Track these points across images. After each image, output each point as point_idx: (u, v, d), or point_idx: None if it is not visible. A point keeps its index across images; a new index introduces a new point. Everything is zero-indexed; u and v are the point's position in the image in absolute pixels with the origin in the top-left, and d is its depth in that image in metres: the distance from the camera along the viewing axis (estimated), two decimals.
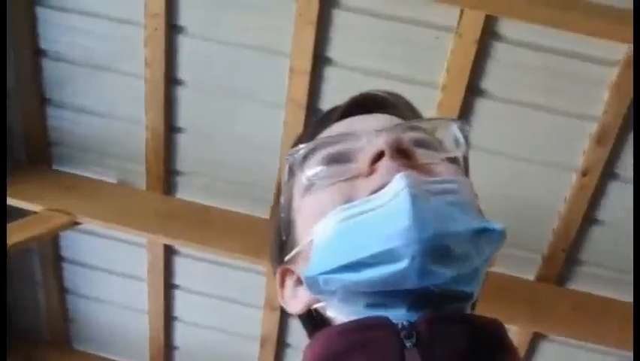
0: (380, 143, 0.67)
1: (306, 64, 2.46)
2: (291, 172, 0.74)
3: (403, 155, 0.67)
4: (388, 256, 0.61)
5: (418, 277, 0.61)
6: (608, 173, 2.52)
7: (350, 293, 0.65)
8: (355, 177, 0.68)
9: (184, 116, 2.74)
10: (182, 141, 2.80)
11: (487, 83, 2.43)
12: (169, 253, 3.06)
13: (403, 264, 0.60)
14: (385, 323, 0.62)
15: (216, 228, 2.77)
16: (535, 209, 2.62)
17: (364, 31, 2.40)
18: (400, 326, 0.61)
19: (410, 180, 0.62)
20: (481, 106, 2.46)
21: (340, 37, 2.43)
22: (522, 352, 2.79)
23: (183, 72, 2.64)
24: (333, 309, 0.69)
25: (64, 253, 3.26)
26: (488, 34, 2.33)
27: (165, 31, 2.52)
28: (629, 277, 2.66)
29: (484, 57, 2.38)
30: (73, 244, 3.20)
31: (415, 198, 0.61)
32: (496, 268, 2.68)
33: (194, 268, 3.09)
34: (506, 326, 0.66)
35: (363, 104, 0.80)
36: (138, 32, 2.56)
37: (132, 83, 2.68)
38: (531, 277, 2.76)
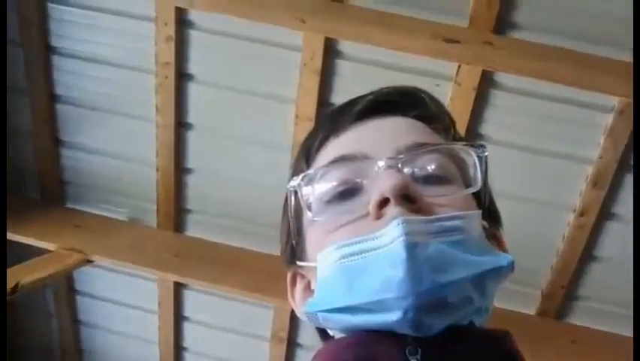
0: (385, 187, 0.64)
1: (311, 110, 2.55)
2: (297, 201, 0.73)
3: (409, 200, 0.64)
4: (382, 306, 0.60)
5: (411, 329, 0.60)
6: (605, 213, 2.59)
7: (349, 331, 0.65)
8: (364, 216, 0.66)
9: (193, 158, 2.84)
10: (192, 181, 2.89)
11: (486, 128, 2.51)
12: (179, 286, 3.15)
13: (395, 316, 0.60)
14: (391, 339, 0.61)
15: (226, 264, 2.85)
16: (535, 247, 2.69)
17: (367, 79, 2.48)
18: (405, 341, 0.60)
19: (407, 227, 0.60)
20: None
21: (343, 86, 2.52)
22: None
23: (193, 117, 2.74)
24: (337, 334, 0.70)
25: (78, 286, 3.36)
26: (486, 82, 2.42)
27: (175, 78, 2.62)
28: (626, 312, 2.74)
29: (482, 104, 2.46)
30: (86, 277, 3.29)
31: (411, 248, 0.59)
32: (498, 303, 2.75)
33: (204, 301, 3.18)
34: None
35: (379, 107, 0.76)
36: (149, 79, 2.66)
37: (143, 127, 2.78)
38: (531, 311, 2.83)
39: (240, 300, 3.04)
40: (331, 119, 0.79)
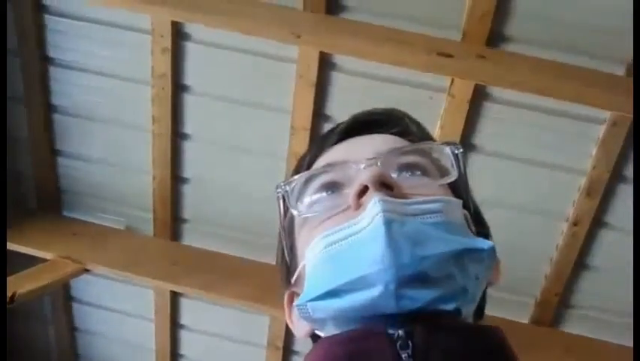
0: (364, 177, 0.67)
1: (306, 121, 2.57)
2: (285, 204, 0.76)
3: (386, 187, 0.67)
4: (364, 283, 0.62)
5: (394, 302, 0.61)
6: (598, 222, 2.62)
7: (339, 320, 0.66)
8: (345, 210, 0.69)
9: (189, 168, 2.86)
10: (188, 190, 2.91)
11: (480, 139, 2.53)
12: (175, 294, 3.17)
13: (377, 290, 0.61)
14: (382, 334, 0.62)
15: (221, 273, 2.87)
16: (528, 256, 2.71)
17: (361, 91, 2.50)
18: (396, 336, 0.61)
19: (385, 205, 0.63)
20: (474, 160, 2.56)
21: (338, 97, 2.54)
22: None
23: (189, 127, 2.76)
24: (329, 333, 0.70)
25: (75, 293, 3.38)
26: (479, 94, 2.44)
27: (171, 89, 2.64)
28: (620, 320, 2.76)
29: (476, 115, 2.48)
30: (83, 284, 3.31)
31: (390, 223, 0.62)
32: (491, 312, 2.77)
33: (200, 308, 3.20)
34: None
35: (362, 126, 0.81)
36: (146, 90, 2.68)
37: (140, 137, 2.80)
38: (525, 320, 2.85)
39: (236, 307, 3.06)
40: (318, 142, 0.84)
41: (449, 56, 2.24)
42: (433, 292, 0.61)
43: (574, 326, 2.86)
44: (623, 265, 2.63)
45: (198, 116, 2.73)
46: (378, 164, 0.70)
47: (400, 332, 0.61)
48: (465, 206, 0.73)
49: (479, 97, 2.45)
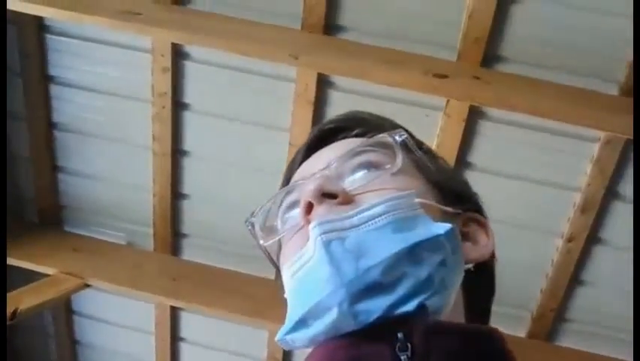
0: (305, 192, 0.69)
1: (305, 138, 2.58)
2: (253, 229, 0.78)
3: (330, 197, 0.68)
4: (322, 308, 0.62)
5: (352, 319, 0.62)
6: (592, 238, 2.65)
7: (319, 343, 0.66)
8: (300, 228, 0.70)
9: (189, 184, 2.89)
10: (188, 206, 2.95)
11: (476, 157, 2.57)
12: (175, 308, 3.19)
13: (334, 313, 0.62)
14: (380, 337, 0.62)
15: (221, 288, 2.90)
16: (524, 271, 2.74)
17: (359, 109, 2.52)
18: (394, 339, 0.61)
19: (322, 227, 0.64)
20: (471, 178, 2.57)
21: (336, 114, 2.56)
22: None
23: (188, 144, 2.80)
24: None
25: (76, 306, 3.40)
26: (475, 113, 2.47)
27: (172, 108, 2.67)
28: (614, 334, 2.80)
29: (471, 133, 2.52)
30: (84, 298, 3.33)
31: (329, 244, 0.63)
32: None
33: (200, 322, 3.22)
34: None
35: (324, 135, 0.82)
36: (146, 108, 2.71)
37: (140, 153, 2.84)
38: (522, 334, 2.88)
39: (235, 321, 3.09)
40: (290, 165, 0.85)
41: (444, 76, 2.27)
42: (387, 299, 0.62)
43: (569, 340, 2.88)
44: (617, 281, 2.66)
45: (198, 133, 2.76)
46: (328, 173, 0.72)
47: (399, 334, 0.61)
48: (438, 186, 0.75)
49: (475, 116, 2.48)
